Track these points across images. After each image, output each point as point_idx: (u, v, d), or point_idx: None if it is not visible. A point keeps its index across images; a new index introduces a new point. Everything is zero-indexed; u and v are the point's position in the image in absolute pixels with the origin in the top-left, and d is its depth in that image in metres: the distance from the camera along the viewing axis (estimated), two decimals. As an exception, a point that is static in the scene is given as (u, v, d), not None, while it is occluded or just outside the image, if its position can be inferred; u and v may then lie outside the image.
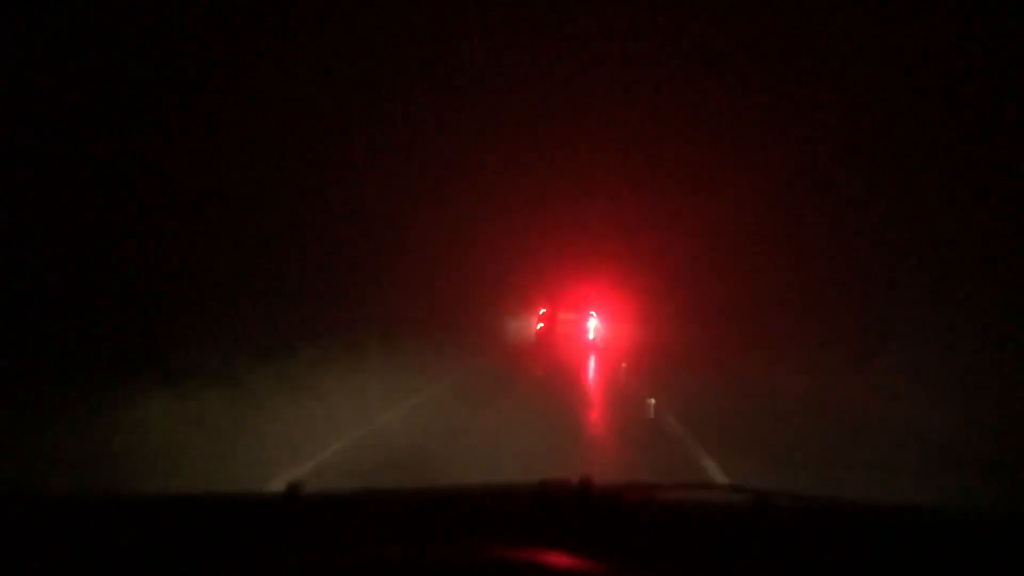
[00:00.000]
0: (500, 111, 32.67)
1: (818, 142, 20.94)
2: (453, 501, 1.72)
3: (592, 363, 16.65)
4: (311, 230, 16.67)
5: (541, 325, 22.55)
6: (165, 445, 5.84)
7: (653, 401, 9.14)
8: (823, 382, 12.67)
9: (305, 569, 1.16)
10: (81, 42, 11.00)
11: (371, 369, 11.51)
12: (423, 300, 18.84)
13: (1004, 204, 15.05)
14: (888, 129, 18.27)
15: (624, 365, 14.92)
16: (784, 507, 1.62)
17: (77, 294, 8.51)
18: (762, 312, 24.36)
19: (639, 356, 18.88)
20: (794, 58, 22.78)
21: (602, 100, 38.68)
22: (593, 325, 22.52)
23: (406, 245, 19.94)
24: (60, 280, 8.44)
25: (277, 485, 5.33)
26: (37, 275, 8.20)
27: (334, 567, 1.15)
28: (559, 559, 1.12)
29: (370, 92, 21.02)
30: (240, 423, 6.89)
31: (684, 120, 32.47)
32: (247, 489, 4.08)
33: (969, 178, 16.30)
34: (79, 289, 8.63)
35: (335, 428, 7.30)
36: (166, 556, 1.34)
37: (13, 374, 6.04)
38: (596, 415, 9.92)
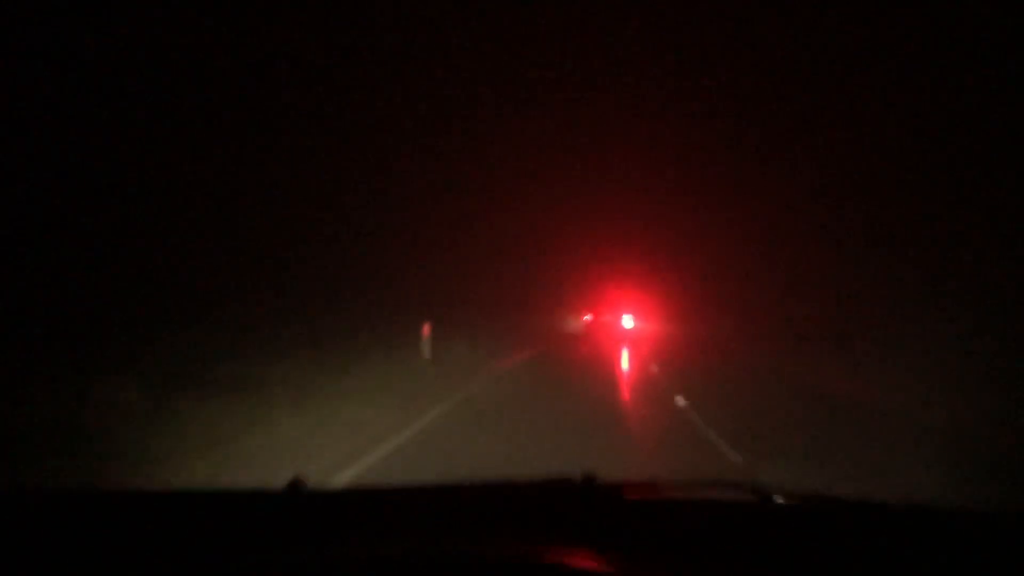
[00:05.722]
0: (553, 153, 40.11)
1: (833, 154, 22.91)
2: (456, 497, 1.72)
3: (624, 348, 23.99)
4: (415, 256, 23.76)
5: (587, 323, 30.15)
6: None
7: (656, 368, 16.61)
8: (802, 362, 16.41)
9: (308, 564, 1.18)
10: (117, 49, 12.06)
11: (483, 348, 19.39)
12: (505, 310, 26.78)
13: (998, 208, 16.01)
14: (894, 144, 19.77)
15: (655, 368, 17.04)
16: (784, 504, 1.65)
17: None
18: (771, 311, 29.64)
19: (661, 344, 26.17)
20: (805, 72, 25.82)
21: (634, 135, 45.77)
22: (627, 323, 30.03)
23: (493, 273, 28.10)
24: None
25: (479, 390, 12.52)
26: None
27: (336, 562, 1.18)
28: (561, 555, 1.16)
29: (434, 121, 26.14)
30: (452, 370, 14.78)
31: (707, 142, 38.44)
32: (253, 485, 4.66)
33: (968, 184, 17.11)
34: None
35: (481, 370, 15.09)
36: (170, 551, 1.36)
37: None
38: (621, 374, 17.43)
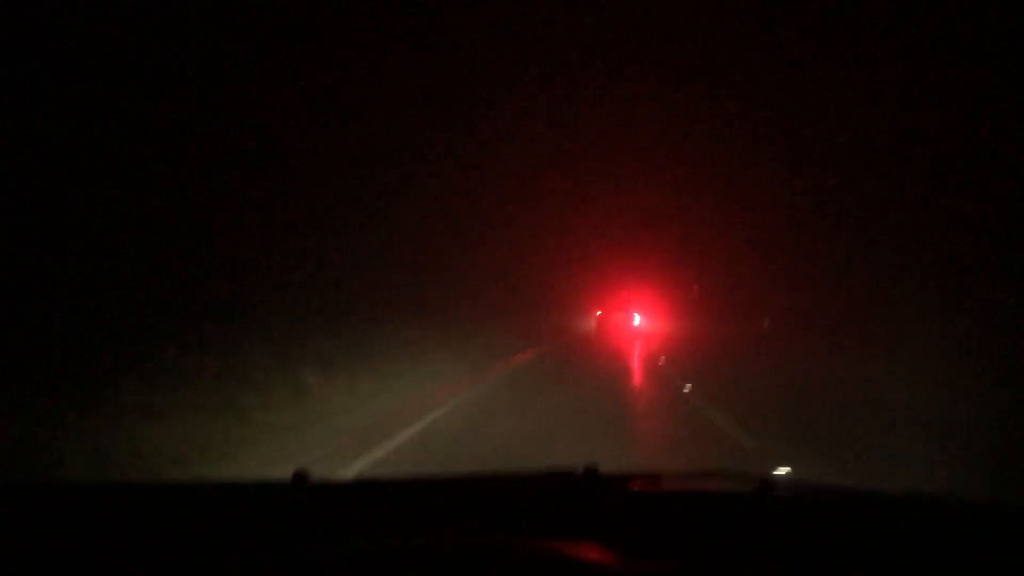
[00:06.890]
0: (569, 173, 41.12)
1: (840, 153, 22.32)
2: (459, 490, 1.73)
3: (635, 344, 25.43)
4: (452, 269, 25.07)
5: (599, 321, 31.59)
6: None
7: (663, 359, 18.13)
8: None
9: (312, 556, 1.18)
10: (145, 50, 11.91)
11: (507, 344, 20.89)
12: (522, 311, 28.35)
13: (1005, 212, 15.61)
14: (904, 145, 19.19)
15: (663, 358, 17.72)
16: (788, 494, 1.67)
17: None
18: (786, 308, 30.23)
19: (666, 340, 27.57)
20: (818, 64, 24.20)
21: (639, 146, 46.97)
22: (636, 321, 31.49)
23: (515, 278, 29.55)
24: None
25: (529, 359, 15.06)
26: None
27: (339, 555, 1.18)
28: (564, 548, 1.16)
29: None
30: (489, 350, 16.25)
31: (716, 138, 39.06)
32: (256, 476, 4.92)
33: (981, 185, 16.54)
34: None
35: (511, 356, 16.65)
36: (174, 543, 1.37)
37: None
38: (630, 364, 18.89)
